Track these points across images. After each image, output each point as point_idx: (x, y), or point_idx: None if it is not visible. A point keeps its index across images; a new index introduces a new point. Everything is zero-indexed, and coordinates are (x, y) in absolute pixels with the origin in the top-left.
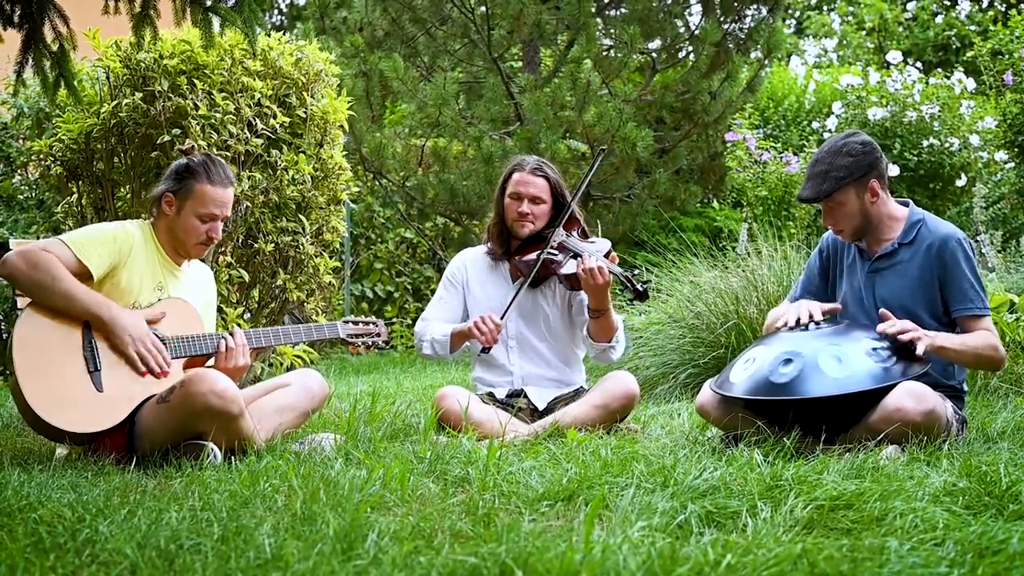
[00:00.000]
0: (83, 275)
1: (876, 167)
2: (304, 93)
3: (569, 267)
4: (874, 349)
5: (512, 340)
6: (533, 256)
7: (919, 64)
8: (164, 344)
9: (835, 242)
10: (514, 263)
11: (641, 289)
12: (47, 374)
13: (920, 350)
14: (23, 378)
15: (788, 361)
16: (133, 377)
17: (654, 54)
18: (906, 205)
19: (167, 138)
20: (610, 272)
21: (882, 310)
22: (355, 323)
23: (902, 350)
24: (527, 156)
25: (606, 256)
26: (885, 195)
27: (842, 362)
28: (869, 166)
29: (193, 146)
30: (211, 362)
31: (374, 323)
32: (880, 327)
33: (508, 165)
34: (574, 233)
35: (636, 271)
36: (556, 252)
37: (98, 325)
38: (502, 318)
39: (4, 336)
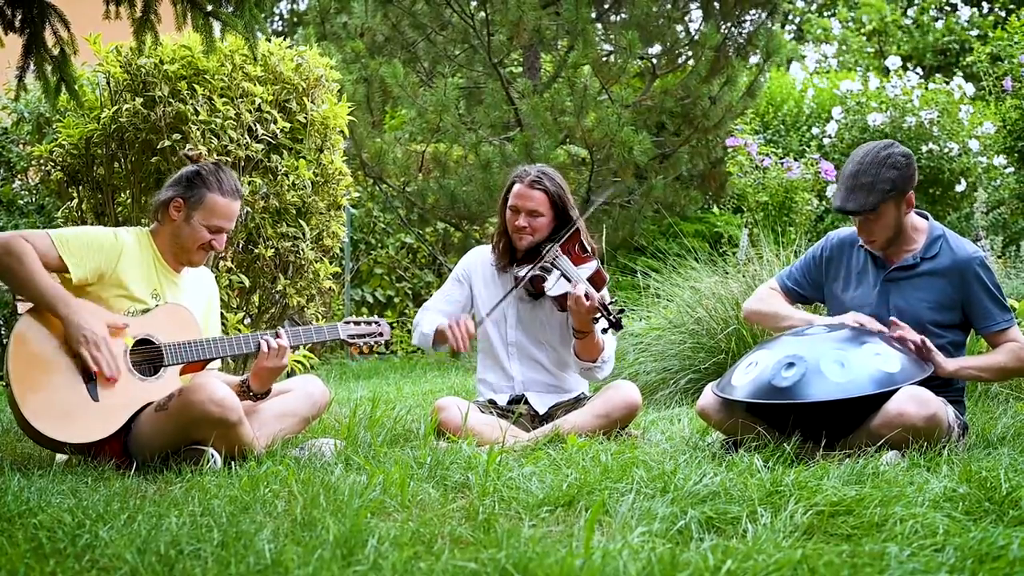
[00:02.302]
0: (61, 271)
1: (914, 180)
2: (304, 98)
3: (555, 288)
4: (877, 354)
5: (512, 347)
6: (525, 271)
7: (920, 69)
8: (161, 352)
9: (839, 245)
10: (513, 274)
11: (614, 320)
12: (42, 385)
13: (937, 359)
14: (18, 389)
15: (791, 365)
16: (129, 386)
17: (654, 59)
18: (924, 217)
19: (167, 143)
20: (593, 301)
21: (892, 319)
22: (356, 323)
23: (906, 355)
24: (530, 166)
25: (593, 276)
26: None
27: (845, 367)
28: (909, 179)
29: (201, 152)
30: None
31: (376, 323)
32: (892, 332)
33: (511, 174)
34: (571, 251)
35: (614, 300)
36: (546, 270)
37: (57, 318)
38: (478, 326)
39: (4, 342)
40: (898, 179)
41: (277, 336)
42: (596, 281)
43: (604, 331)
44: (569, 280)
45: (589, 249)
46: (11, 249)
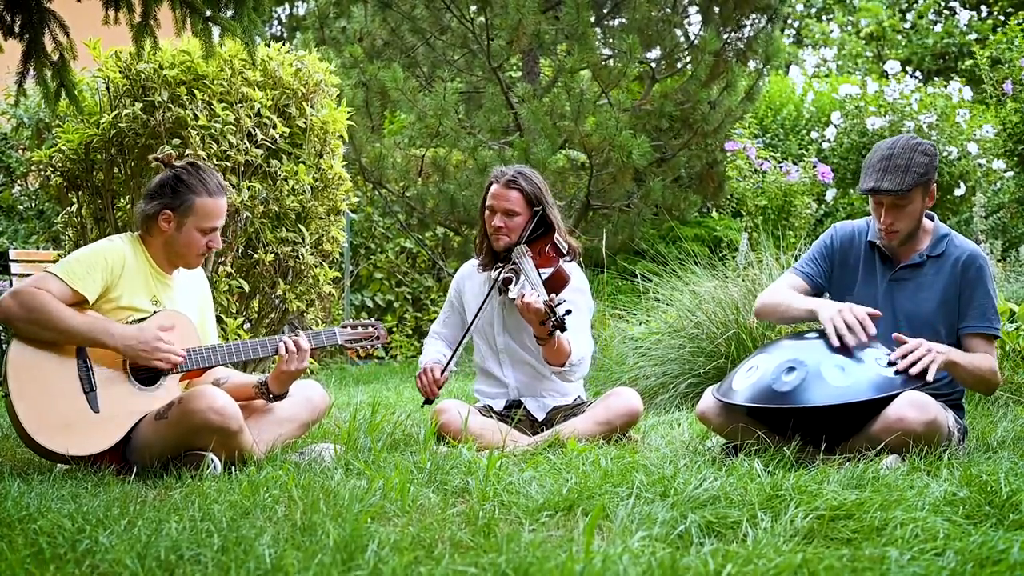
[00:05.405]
0: (79, 303)
1: (936, 172)
2: (304, 103)
3: (516, 292)
4: (877, 359)
5: (503, 353)
6: (498, 273)
7: (919, 73)
8: None
9: (848, 236)
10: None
11: (558, 320)
12: (42, 398)
13: (931, 375)
14: (18, 402)
15: (791, 369)
16: (129, 395)
17: (653, 63)
18: (931, 218)
19: (167, 148)
20: (539, 304)
21: (895, 335)
22: (353, 327)
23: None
24: (508, 167)
25: (551, 277)
26: None
27: (845, 371)
28: (935, 170)
29: (171, 153)
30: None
31: (372, 326)
32: (894, 356)
33: (490, 176)
34: (542, 252)
35: (562, 301)
36: (515, 272)
37: (108, 349)
38: (443, 372)
39: (4, 346)
40: (929, 166)
41: (296, 339)
42: (554, 282)
43: (550, 334)
44: (528, 284)
45: (565, 248)
46: (33, 305)
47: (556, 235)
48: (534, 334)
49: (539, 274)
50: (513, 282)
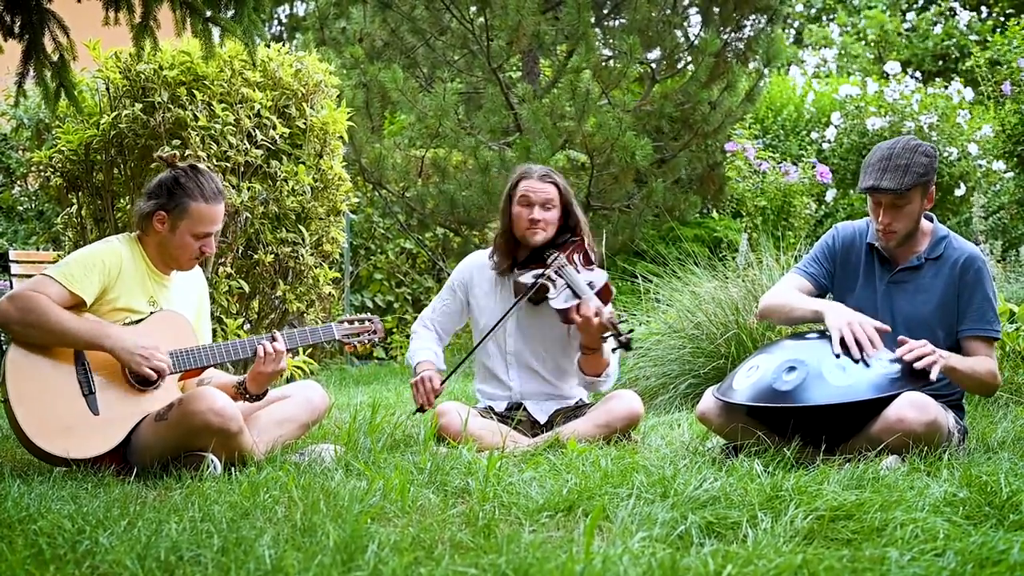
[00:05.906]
0: (78, 305)
1: (935, 175)
2: (304, 104)
3: (560, 301)
4: (879, 359)
5: (510, 356)
6: (530, 278)
7: (919, 74)
8: None
9: (850, 236)
10: (513, 279)
11: (624, 340)
12: (41, 401)
13: (934, 375)
14: (18, 406)
15: (792, 369)
16: (128, 397)
17: (653, 64)
18: (930, 220)
19: (167, 149)
20: (604, 321)
21: (900, 337)
22: (350, 322)
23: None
24: (533, 165)
25: (601, 291)
26: None
27: (846, 371)
28: (935, 171)
29: (174, 153)
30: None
31: (369, 320)
32: (899, 352)
33: (513, 174)
34: (574, 259)
35: (623, 320)
36: (552, 279)
37: (105, 352)
38: (443, 383)
39: (3, 348)
40: (928, 167)
41: (273, 340)
42: (604, 295)
43: (612, 351)
44: (576, 294)
45: (593, 258)
46: (30, 308)
47: (586, 243)
48: (583, 344)
49: (588, 284)
50: (552, 291)
